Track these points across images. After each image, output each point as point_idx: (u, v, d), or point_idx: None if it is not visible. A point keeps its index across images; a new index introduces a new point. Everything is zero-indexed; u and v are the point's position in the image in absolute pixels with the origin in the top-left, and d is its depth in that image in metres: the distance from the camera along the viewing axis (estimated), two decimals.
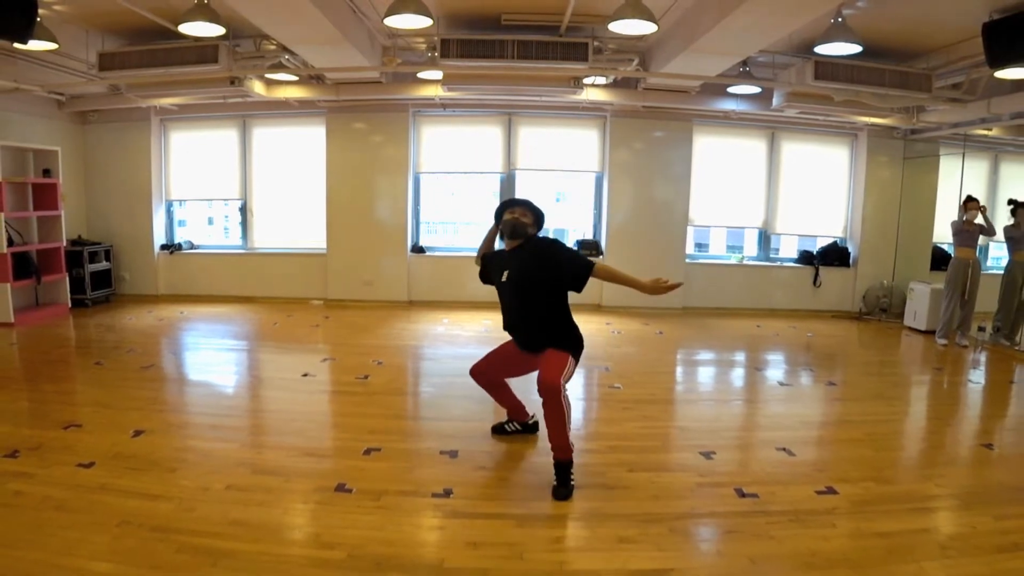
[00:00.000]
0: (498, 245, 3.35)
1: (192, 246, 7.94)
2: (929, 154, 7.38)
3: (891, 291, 7.50)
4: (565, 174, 7.94)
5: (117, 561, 2.21)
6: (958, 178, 6.71)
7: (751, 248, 8.05)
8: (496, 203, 3.28)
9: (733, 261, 7.96)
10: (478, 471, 3.04)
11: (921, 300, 6.75)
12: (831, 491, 2.86)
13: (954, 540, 2.49)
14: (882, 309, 7.52)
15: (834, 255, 7.74)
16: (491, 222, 3.30)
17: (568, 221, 8.33)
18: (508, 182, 7.62)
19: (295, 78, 6.63)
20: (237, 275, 7.73)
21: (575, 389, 4.41)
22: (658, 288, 2.73)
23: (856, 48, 4.39)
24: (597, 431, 3.68)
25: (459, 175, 7.91)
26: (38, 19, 4.04)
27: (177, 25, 4.34)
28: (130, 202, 7.59)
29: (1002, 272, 6.24)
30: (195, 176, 7.81)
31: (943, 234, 6.83)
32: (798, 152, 7.75)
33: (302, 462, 3.08)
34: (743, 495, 2.81)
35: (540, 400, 2.79)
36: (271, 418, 3.94)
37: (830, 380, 4.89)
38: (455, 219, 8.35)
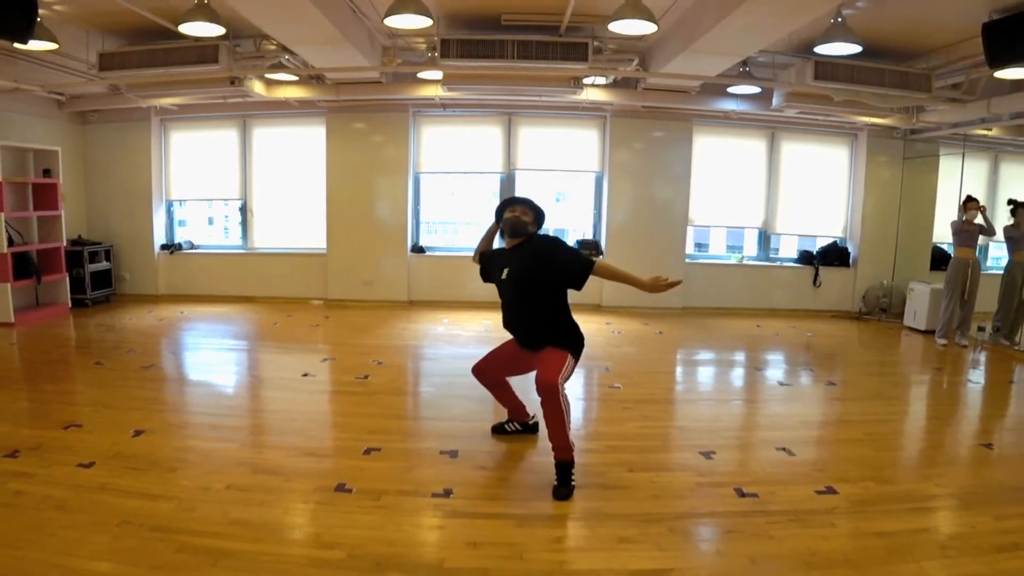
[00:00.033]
0: (498, 244, 3.36)
1: (192, 246, 7.94)
2: (929, 154, 7.38)
3: (891, 291, 7.50)
4: (565, 174, 7.94)
5: (117, 561, 2.21)
6: (958, 178, 6.72)
7: (751, 248, 8.05)
8: (496, 203, 3.28)
9: (733, 261, 7.96)
10: (478, 471, 3.05)
11: (921, 300, 6.75)
12: (831, 491, 2.86)
13: (954, 540, 2.49)
14: (882, 309, 7.52)
15: (834, 255, 7.74)
16: (491, 222, 3.30)
17: (568, 221, 8.33)
18: (508, 182, 7.62)
19: (295, 78, 6.63)
20: (237, 275, 7.74)
21: (575, 389, 4.41)
22: (657, 286, 2.74)
23: (856, 48, 4.39)
24: (597, 431, 3.68)
25: (459, 175, 7.91)
26: (38, 19, 4.04)
27: (177, 25, 4.34)
28: (130, 202, 7.59)
29: (1002, 272, 6.24)
30: (195, 176, 7.81)
31: (943, 234, 6.84)
32: (798, 152, 7.75)
33: (302, 462, 3.08)
34: (743, 495, 2.81)
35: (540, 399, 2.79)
36: (271, 418, 3.95)
37: (830, 380, 4.89)
38: (455, 219, 8.35)
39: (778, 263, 7.91)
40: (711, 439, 3.49)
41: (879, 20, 4.76)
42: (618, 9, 4.03)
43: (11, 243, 6.05)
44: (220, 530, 2.42)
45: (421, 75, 6.25)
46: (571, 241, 7.83)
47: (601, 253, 7.52)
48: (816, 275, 7.69)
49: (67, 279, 6.77)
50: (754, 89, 6.34)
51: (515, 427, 3.45)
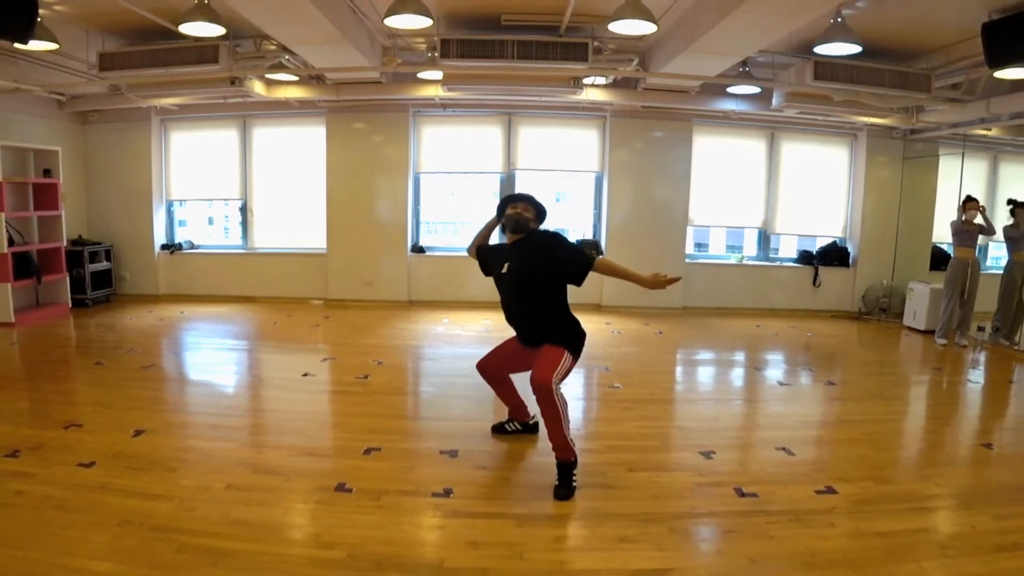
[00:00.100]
0: (497, 239, 3.35)
1: (192, 246, 7.94)
2: (928, 154, 7.39)
3: (891, 291, 7.50)
4: (565, 174, 7.94)
5: (117, 561, 2.21)
6: (957, 178, 6.72)
7: (751, 248, 8.05)
8: (496, 203, 3.28)
9: (733, 261, 7.96)
10: (478, 471, 3.05)
11: (920, 300, 6.75)
12: (830, 491, 2.86)
13: (954, 540, 2.49)
14: (882, 309, 7.52)
15: (834, 255, 7.75)
16: (491, 217, 3.30)
17: (568, 221, 8.33)
18: (508, 182, 7.62)
19: (295, 78, 6.63)
20: (237, 275, 7.74)
21: (575, 389, 4.42)
22: (657, 281, 2.75)
23: (856, 48, 4.39)
24: (597, 431, 3.68)
25: (459, 175, 7.91)
26: (38, 19, 4.04)
27: (177, 25, 4.34)
28: (130, 202, 7.59)
29: (1001, 272, 6.24)
30: (195, 176, 7.81)
31: (942, 234, 6.84)
32: (798, 152, 7.75)
33: (302, 462, 3.08)
34: (743, 495, 2.81)
35: None
36: (271, 418, 3.95)
37: (829, 380, 4.89)
38: (455, 219, 8.35)
39: (778, 263, 7.91)
40: (711, 439, 3.49)
41: (879, 20, 4.77)
42: (618, 9, 4.03)
43: (11, 243, 6.05)
44: (220, 530, 2.43)
45: (421, 75, 6.25)
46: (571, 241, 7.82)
47: (602, 253, 7.51)
48: (816, 275, 7.70)
49: (67, 279, 6.77)
50: (754, 89, 6.35)
51: (515, 427, 3.45)
